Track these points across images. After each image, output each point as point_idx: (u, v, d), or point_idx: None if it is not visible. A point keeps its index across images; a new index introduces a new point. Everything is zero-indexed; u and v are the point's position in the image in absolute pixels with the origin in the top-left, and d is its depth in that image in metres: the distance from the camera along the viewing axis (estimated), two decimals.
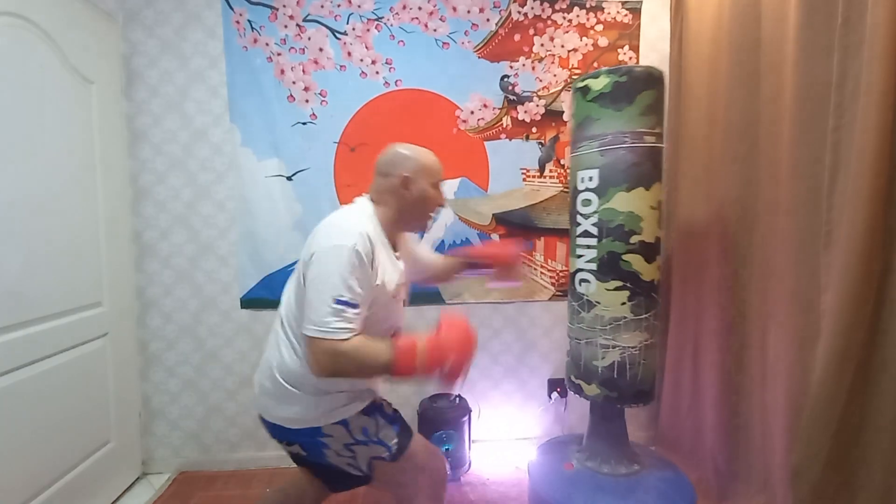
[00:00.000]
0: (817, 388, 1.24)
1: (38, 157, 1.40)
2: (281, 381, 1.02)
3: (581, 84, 1.40)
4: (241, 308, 1.92)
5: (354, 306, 0.90)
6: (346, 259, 0.90)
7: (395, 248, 1.10)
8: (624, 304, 1.36)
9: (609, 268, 1.37)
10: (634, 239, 1.35)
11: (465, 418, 1.86)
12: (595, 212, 1.38)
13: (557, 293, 2.01)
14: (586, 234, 1.41)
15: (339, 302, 0.89)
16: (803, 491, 1.28)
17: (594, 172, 1.37)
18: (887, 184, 1.12)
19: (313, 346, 0.89)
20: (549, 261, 2.00)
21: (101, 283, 1.66)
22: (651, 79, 1.35)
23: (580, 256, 1.43)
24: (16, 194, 1.32)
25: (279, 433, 1.06)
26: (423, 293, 1.96)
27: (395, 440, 1.08)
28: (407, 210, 1.07)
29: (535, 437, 2.03)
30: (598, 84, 1.35)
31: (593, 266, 1.39)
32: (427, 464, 1.12)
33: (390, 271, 1.03)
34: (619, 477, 1.43)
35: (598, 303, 1.39)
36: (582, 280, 1.43)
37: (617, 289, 1.36)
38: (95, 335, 1.63)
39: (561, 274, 2.00)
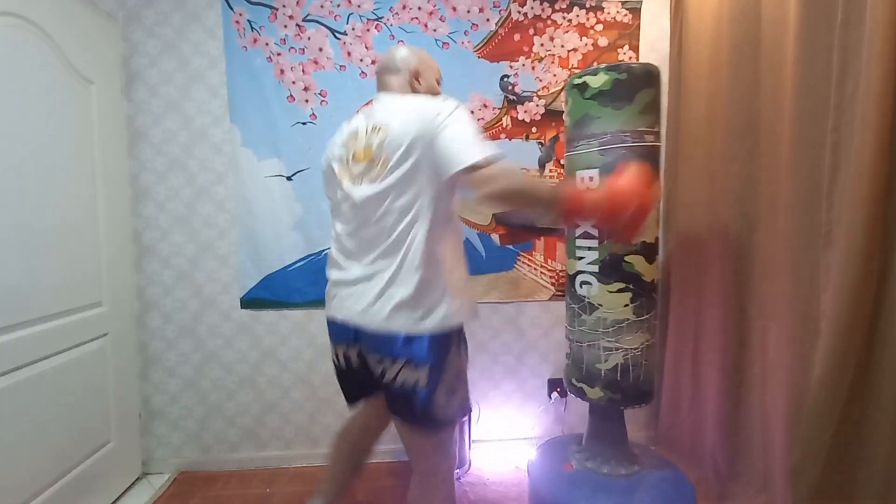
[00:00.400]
0: (817, 387, 1.24)
1: (37, 156, 1.40)
2: (419, 277, 0.98)
3: (578, 81, 1.37)
4: (241, 308, 1.92)
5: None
6: (467, 115, 0.99)
7: None
8: (627, 305, 1.35)
9: (611, 269, 1.36)
10: (636, 240, 1.35)
11: (465, 418, 1.86)
12: None
13: (557, 293, 2.01)
14: (587, 235, 1.39)
15: (484, 142, 0.95)
16: (803, 490, 1.28)
17: (594, 172, 1.36)
18: (887, 184, 1.12)
19: (483, 170, 0.91)
20: (549, 261, 2.00)
21: (101, 283, 1.67)
22: (650, 76, 1.34)
23: (581, 258, 1.42)
24: (15, 194, 1.32)
25: (417, 348, 0.99)
26: None
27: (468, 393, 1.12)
28: None
29: (535, 438, 2.03)
30: (597, 81, 1.33)
31: (595, 268, 1.38)
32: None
33: None
34: (618, 477, 1.43)
35: (601, 305, 1.37)
36: (583, 282, 1.41)
37: (620, 290, 1.35)
38: (95, 335, 1.63)
39: (561, 274, 2.00)
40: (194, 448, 1.96)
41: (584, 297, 1.41)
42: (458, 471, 1.85)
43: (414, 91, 1.13)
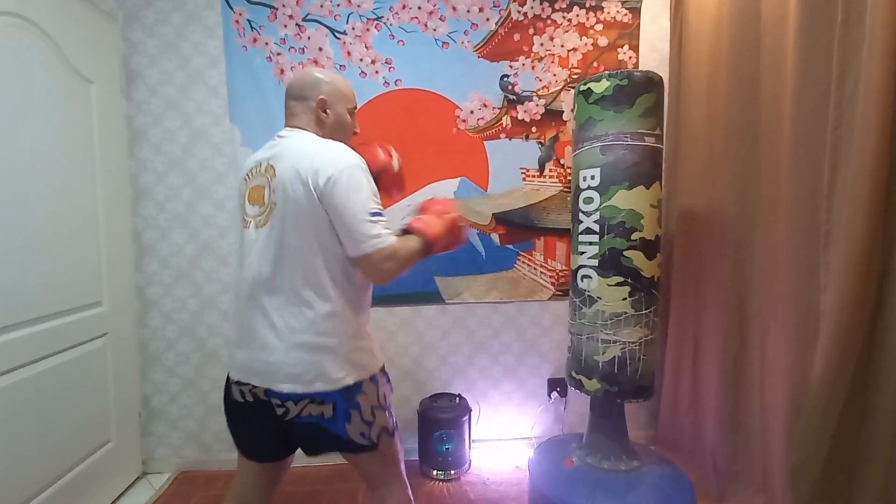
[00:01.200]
0: (817, 387, 1.24)
1: (37, 156, 1.40)
2: (318, 337, 0.94)
3: (584, 87, 1.45)
4: None
5: (382, 216, 0.95)
6: (362, 176, 0.94)
7: None
8: (625, 299, 1.39)
9: (610, 264, 1.40)
10: (635, 236, 1.38)
11: (465, 418, 1.86)
12: (597, 209, 1.41)
13: (557, 293, 2.01)
14: (588, 231, 1.44)
15: (373, 214, 0.93)
16: (803, 490, 1.28)
17: (596, 171, 1.41)
18: (887, 183, 1.12)
19: (373, 259, 0.92)
20: (549, 260, 2.00)
21: (101, 283, 1.67)
22: (650, 83, 1.39)
23: (582, 253, 1.46)
24: (15, 194, 1.32)
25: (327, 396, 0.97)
26: (423, 293, 1.96)
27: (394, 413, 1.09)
28: (327, 135, 1.04)
29: (535, 437, 2.03)
30: (600, 87, 1.39)
31: (595, 262, 1.42)
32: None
33: None
34: (618, 473, 1.44)
35: (600, 298, 1.42)
36: (584, 276, 1.45)
37: (618, 284, 1.39)
38: (95, 335, 1.63)
39: (560, 273, 2.00)
40: (194, 447, 1.96)
41: (585, 290, 1.45)
42: (457, 470, 1.85)
43: (319, 122, 1.03)
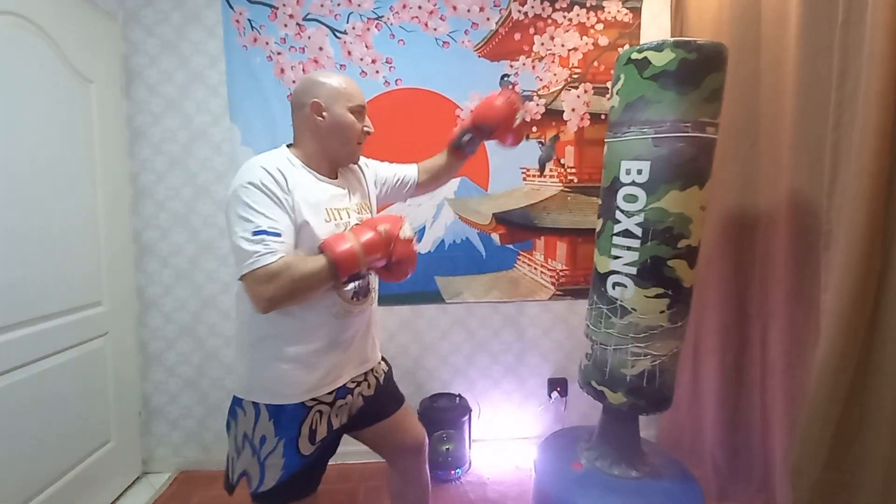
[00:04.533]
0: (817, 387, 1.24)
1: (37, 156, 1.39)
2: (235, 343, 1.02)
3: (639, 56, 1.16)
4: None
5: (276, 234, 0.86)
6: (250, 194, 0.87)
7: (334, 177, 1.05)
8: (663, 312, 1.23)
9: (651, 273, 1.22)
10: (682, 243, 1.20)
11: (465, 418, 1.86)
12: (641, 210, 1.21)
13: (557, 293, 2.01)
14: (628, 233, 1.24)
15: (256, 233, 0.85)
16: (803, 490, 1.28)
17: (645, 165, 1.18)
18: (887, 183, 1.12)
19: (248, 282, 0.85)
20: (550, 260, 2.00)
21: (101, 283, 1.66)
22: (721, 59, 1.15)
23: (617, 258, 1.28)
24: (15, 193, 1.32)
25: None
26: (423, 293, 1.96)
27: (275, 480, 0.95)
28: (325, 139, 0.99)
29: (535, 437, 2.03)
30: (662, 59, 1.12)
31: (633, 270, 1.24)
32: None
33: (324, 200, 0.98)
34: (628, 480, 1.38)
35: (634, 310, 1.25)
36: (616, 283, 1.28)
37: (657, 296, 1.23)
38: (95, 334, 1.63)
39: (561, 273, 2.00)
40: (194, 447, 1.96)
41: (616, 299, 1.28)
42: (457, 470, 1.85)
43: (315, 128, 0.98)
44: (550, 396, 2.03)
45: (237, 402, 1.00)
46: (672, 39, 1.15)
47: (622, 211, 1.25)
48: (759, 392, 1.54)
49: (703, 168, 1.19)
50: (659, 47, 1.14)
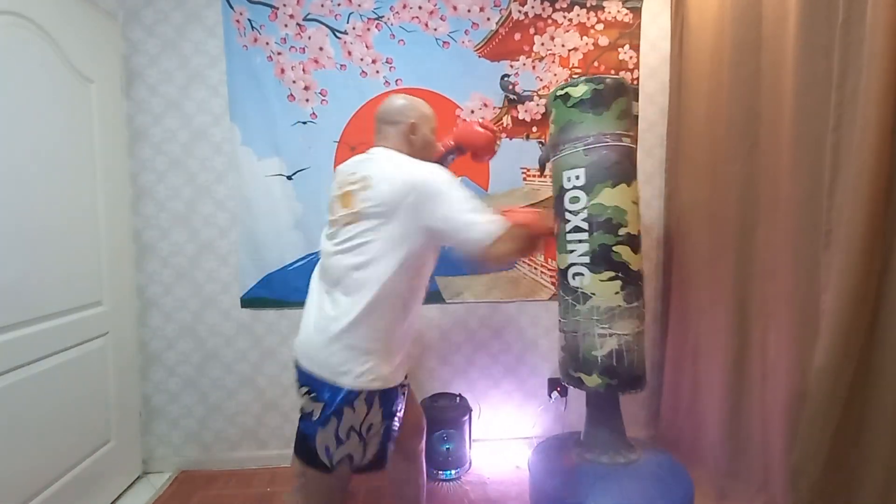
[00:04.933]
0: (817, 387, 1.24)
1: (37, 156, 1.39)
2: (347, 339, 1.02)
3: (561, 92, 1.48)
4: (242, 307, 1.92)
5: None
6: (449, 177, 1.03)
7: None
8: (617, 293, 1.42)
9: (602, 259, 1.43)
10: (622, 231, 1.42)
11: (466, 418, 1.86)
12: (584, 207, 1.44)
13: (557, 292, 2.01)
14: (577, 229, 1.46)
15: (474, 206, 1.00)
16: (803, 490, 1.28)
17: (580, 171, 1.44)
18: (887, 183, 1.12)
19: (494, 248, 0.98)
20: (550, 260, 2.00)
21: (102, 283, 1.66)
22: (623, 87, 1.46)
23: (572, 251, 1.48)
24: (15, 193, 1.32)
25: (325, 388, 1.04)
26: None
27: (374, 455, 1.08)
28: (416, 153, 1.14)
29: (535, 437, 2.03)
30: (578, 91, 1.44)
31: (586, 259, 1.45)
32: None
33: None
34: (617, 466, 1.45)
35: (594, 294, 1.44)
36: (575, 274, 1.47)
37: (610, 279, 1.42)
38: (95, 334, 1.63)
39: None
40: (195, 447, 1.96)
41: (578, 287, 1.47)
42: (458, 470, 1.85)
43: (409, 143, 1.15)
44: (550, 396, 2.03)
45: (347, 399, 1.01)
46: (583, 77, 1.51)
47: (570, 211, 1.47)
48: (759, 391, 1.54)
49: (627, 169, 1.44)
50: (574, 83, 1.46)
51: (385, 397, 1.06)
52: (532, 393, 2.06)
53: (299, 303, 1.92)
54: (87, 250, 1.60)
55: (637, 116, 1.71)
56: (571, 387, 1.53)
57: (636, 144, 1.52)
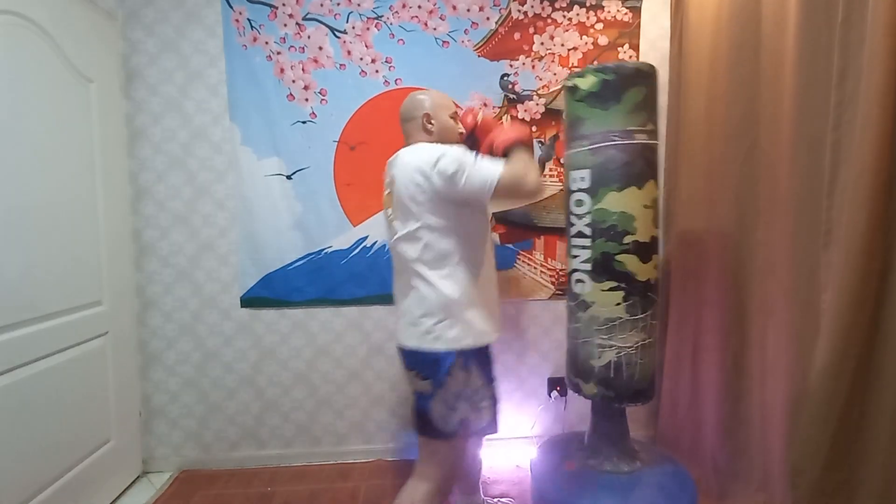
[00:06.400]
0: (817, 387, 1.24)
1: (36, 155, 1.39)
2: (429, 301, 1.14)
3: (570, 83, 1.38)
4: (241, 307, 1.92)
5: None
6: (448, 148, 1.12)
7: None
8: (619, 304, 1.35)
9: (603, 268, 1.36)
10: (628, 239, 1.33)
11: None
12: (588, 212, 1.37)
13: (557, 292, 2.01)
14: (580, 234, 1.40)
15: (476, 161, 1.11)
16: (803, 490, 1.28)
17: (586, 173, 1.36)
18: (887, 183, 1.12)
19: (501, 185, 1.09)
20: (549, 259, 2.00)
21: (101, 282, 1.66)
22: (640, 75, 1.33)
23: (575, 257, 1.42)
24: (15, 193, 1.31)
25: (427, 363, 1.15)
26: None
27: (489, 418, 1.22)
28: (436, 142, 1.22)
29: (535, 436, 2.03)
30: (586, 83, 1.34)
31: (588, 266, 1.39)
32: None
33: None
34: (621, 475, 1.43)
35: (594, 303, 1.38)
36: (577, 280, 1.42)
37: (611, 289, 1.35)
38: (95, 334, 1.63)
39: (560, 273, 2.00)
40: (194, 447, 1.96)
41: (579, 294, 1.42)
42: None
43: (427, 132, 1.24)
44: (550, 396, 2.03)
45: (448, 368, 1.13)
46: (593, 66, 1.37)
47: (574, 215, 1.42)
48: (759, 391, 1.54)
49: (638, 170, 1.33)
50: (582, 74, 1.36)
51: (480, 359, 1.18)
52: (532, 392, 2.06)
53: (299, 302, 1.95)
54: (87, 250, 1.60)
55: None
56: (572, 391, 1.51)
57: (655, 139, 1.38)
